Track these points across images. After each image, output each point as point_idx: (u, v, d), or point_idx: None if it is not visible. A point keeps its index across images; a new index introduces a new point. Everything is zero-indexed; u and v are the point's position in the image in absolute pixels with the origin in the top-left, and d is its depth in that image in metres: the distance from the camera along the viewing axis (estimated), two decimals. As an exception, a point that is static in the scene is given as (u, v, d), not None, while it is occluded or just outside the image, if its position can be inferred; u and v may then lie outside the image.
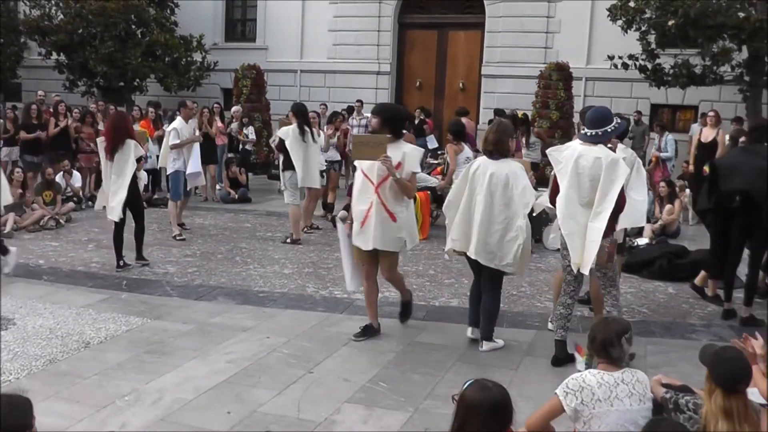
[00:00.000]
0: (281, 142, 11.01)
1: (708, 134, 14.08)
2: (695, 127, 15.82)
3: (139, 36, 21.16)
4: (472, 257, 6.42)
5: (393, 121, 6.74)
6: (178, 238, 11.12)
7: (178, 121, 11.56)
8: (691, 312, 8.06)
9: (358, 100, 18.42)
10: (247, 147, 17.08)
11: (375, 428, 5.01)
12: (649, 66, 16.90)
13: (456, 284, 8.86)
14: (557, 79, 17.56)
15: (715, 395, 3.58)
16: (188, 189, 12.04)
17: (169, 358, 6.18)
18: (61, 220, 12.13)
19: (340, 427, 5.01)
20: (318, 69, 22.33)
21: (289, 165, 10.93)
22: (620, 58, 16.92)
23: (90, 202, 13.74)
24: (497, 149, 6.37)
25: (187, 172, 11.49)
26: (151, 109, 16.16)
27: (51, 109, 15.26)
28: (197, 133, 12.63)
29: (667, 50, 16.63)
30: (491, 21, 20.65)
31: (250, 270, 9.36)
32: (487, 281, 6.51)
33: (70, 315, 7.28)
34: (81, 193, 14.10)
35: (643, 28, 16.53)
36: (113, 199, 9.06)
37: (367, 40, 21.81)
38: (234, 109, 17.76)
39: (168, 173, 11.59)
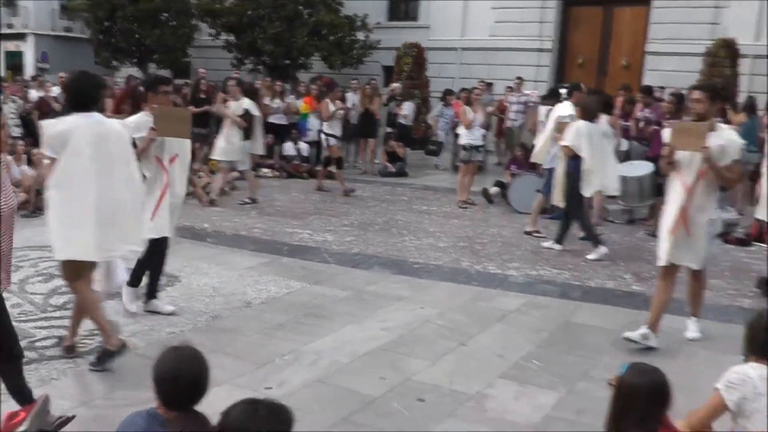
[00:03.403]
0: (247, 112, 11.58)
1: None
2: None
3: (306, 16, 21.73)
4: None
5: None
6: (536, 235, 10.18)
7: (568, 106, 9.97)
8: None
9: (517, 77, 18.16)
10: (402, 122, 17.26)
11: (527, 405, 4.95)
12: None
13: (612, 266, 8.64)
14: (724, 56, 16.66)
15: None
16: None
17: (326, 321, 6.37)
18: (225, 188, 12.69)
19: (492, 402, 4.99)
20: (479, 47, 22.17)
21: (248, 135, 11.59)
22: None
23: (254, 172, 14.35)
24: None
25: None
26: (313, 86, 16.62)
27: (219, 85, 15.98)
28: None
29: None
30: (659, -4, 19.82)
31: (405, 241, 9.49)
32: None
33: (233, 276, 7.61)
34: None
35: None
36: None
37: (531, 17, 21.46)
38: (393, 85, 17.97)
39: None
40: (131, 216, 5.24)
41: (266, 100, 15.73)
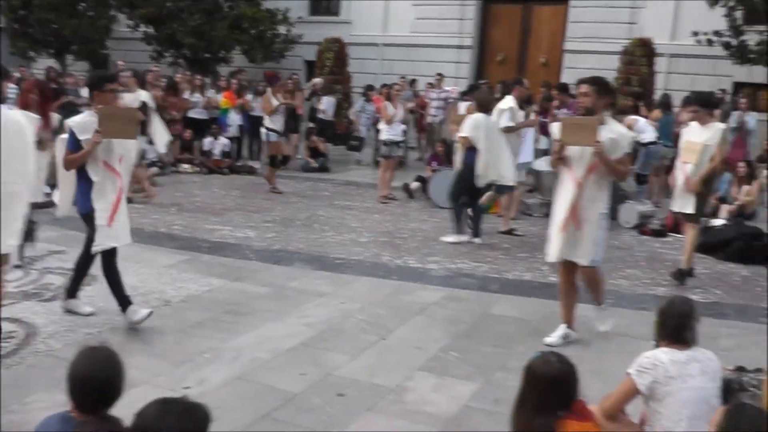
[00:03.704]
0: (144, 105, 11.23)
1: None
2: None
3: (227, 9, 21.50)
4: None
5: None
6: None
7: (509, 100, 10.17)
8: (765, 296, 7.86)
9: (438, 74, 18.35)
10: (321, 117, 17.23)
11: (446, 396, 5.05)
12: (734, 43, 16.36)
13: (530, 258, 8.84)
14: (641, 55, 17.19)
15: None
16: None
17: (247, 318, 6.34)
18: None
19: (411, 394, 5.06)
20: (400, 43, 22.30)
21: (144, 130, 11.21)
22: (705, 34, 16.40)
23: (173, 167, 14.27)
24: None
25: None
26: (233, 80, 16.47)
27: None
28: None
29: (753, 27, 16.07)
30: (577, -5, 20.27)
31: (327, 237, 9.51)
32: None
33: (152, 274, 7.51)
34: (164, 159, 14.49)
35: (730, 4, 15.99)
36: None
37: (451, 14, 21.68)
38: (315, 80, 17.95)
39: None
40: (18, 211, 4.90)
41: (186, 95, 15.55)
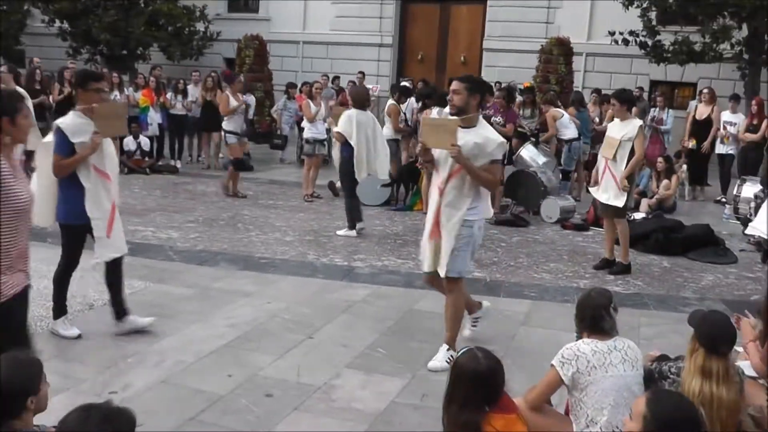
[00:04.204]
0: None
1: (703, 111, 14.06)
2: (693, 104, 15.83)
3: (142, 5, 21.11)
4: None
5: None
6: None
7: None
8: (685, 285, 8.17)
9: (359, 72, 18.41)
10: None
11: (373, 393, 5.09)
12: (650, 42, 16.90)
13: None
14: (558, 54, 17.60)
15: (696, 354, 3.70)
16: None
17: (171, 321, 6.26)
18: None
19: (339, 392, 5.09)
20: (320, 41, 22.27)
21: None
22: (621, 34, 16.92)
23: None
24: None
25: None
26: (152, 78, 16.17)
27: (55, 75, 15.33)
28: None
29: (667, 27, 16.65)
30: (494, -5, 20.59)
31: (252, 237, 9.45)
32: None
33: (74, 277, 7.31)
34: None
35: (644, 5, 16.53)
36: None
37: (370, 12, 21.76)
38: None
39: None
40: None
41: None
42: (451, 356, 5.40)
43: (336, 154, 10.16)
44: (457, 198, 5.43)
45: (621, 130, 8.06)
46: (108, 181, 5.72)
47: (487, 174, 5.42)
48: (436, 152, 5.50)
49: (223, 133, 12.68)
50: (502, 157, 5.98)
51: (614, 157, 8.03)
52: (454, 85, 5.48)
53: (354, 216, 9.82)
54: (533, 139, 12.11)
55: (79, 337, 5.83)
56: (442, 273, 5.56)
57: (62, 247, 5.90)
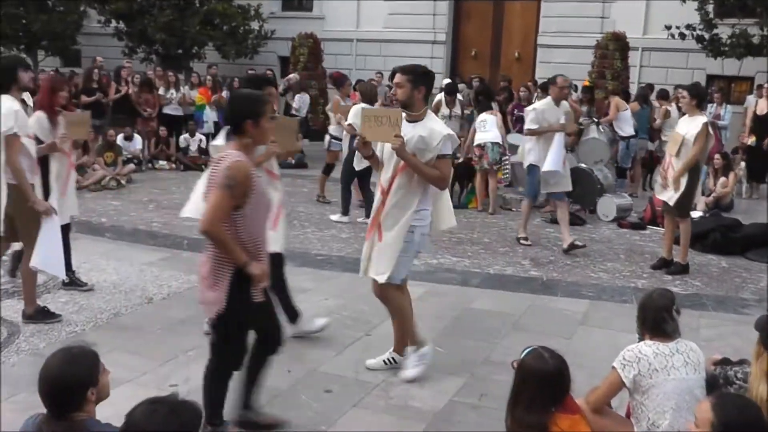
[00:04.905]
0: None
1: (763, 106, 13.77)
2: (750, 99, 15.46)
3: (198, 5, 21.38)
4: None
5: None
6: (523, 242, 9.48)
7: (544, 102, 9.39)
8: (744, 286, 8.00)
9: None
10: (294, 114, 17.14)
11: (431, 391, 5.09)
12: (707, 36, 16.56)
13: (511, 252, 8.91)
14: (614, 49, 17.36)
15: (762, 358, 3.60)
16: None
17: (230, 316, 6.32)
18: (122, 181, 12.47)
19: (397, 389, 5.10)
20: (374, 38, 22.29)
21: None
22: (677, 27, 16.59)
23: (150, 164, 14.29)
24: None
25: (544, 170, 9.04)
26: (208, 76, 16.39)
27: (111, 75, 15.66)
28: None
29: (725, 20, 16.28)
30: (549, -10, 20.41)
31: (307, 233, 9.52)
32: None
33: (133, 271, 7.48)
34: (141, 156, 14.45)
35: (702, -2, 16.21)
36: None
37: (423, 10, 21.71)
38: (290, 76, 17.89)
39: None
40: None
41: (161, 91, 15.48)
42: (393, 359, 5.42)
43: (345, 145, 10.82)
44: (404, 198, 5.01)
45: (686, 126, 7.92)
46: (275, 180, 5.64)
47: (433, 170, 4.96)
48: (379, 148, 5.14)
49: (328, 137, 12.00)
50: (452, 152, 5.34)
51: (677, 153, 7.90)
52: (397, 78, 5.07)
53: (346, 203, 10.28)
54: (595, 119, 12.48)
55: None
56: (379, 279, 5.11)
57: None
